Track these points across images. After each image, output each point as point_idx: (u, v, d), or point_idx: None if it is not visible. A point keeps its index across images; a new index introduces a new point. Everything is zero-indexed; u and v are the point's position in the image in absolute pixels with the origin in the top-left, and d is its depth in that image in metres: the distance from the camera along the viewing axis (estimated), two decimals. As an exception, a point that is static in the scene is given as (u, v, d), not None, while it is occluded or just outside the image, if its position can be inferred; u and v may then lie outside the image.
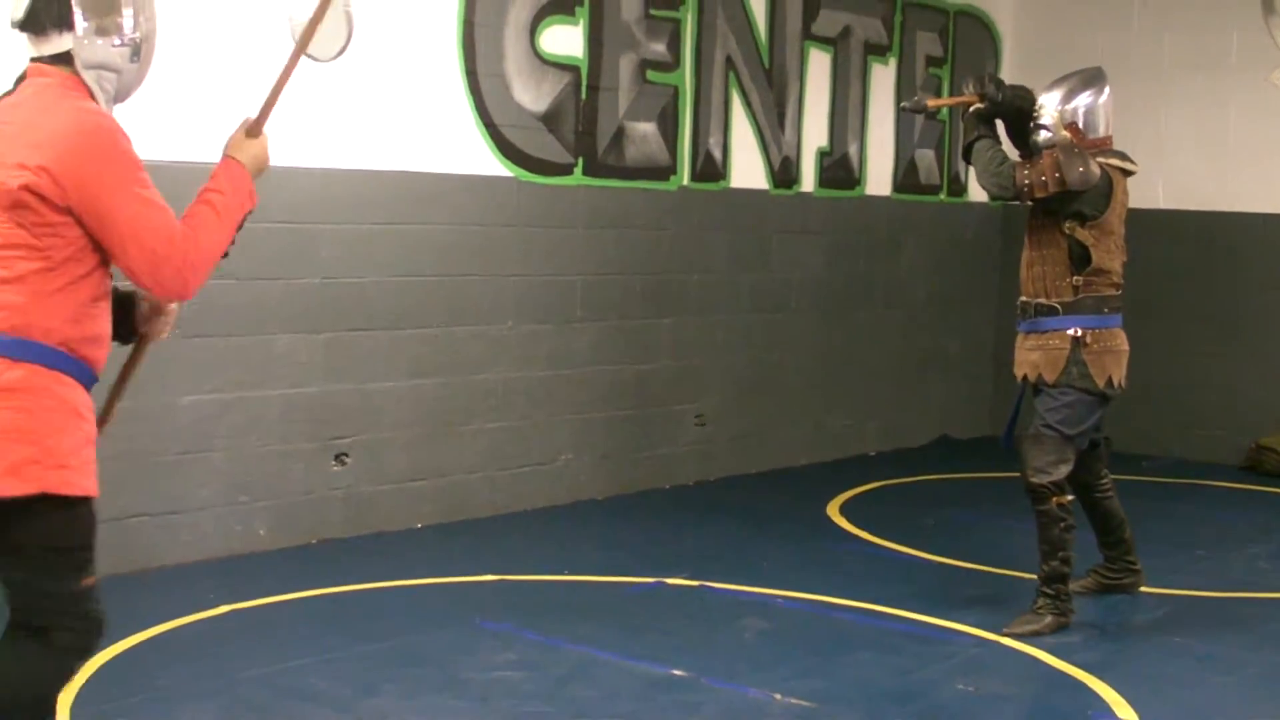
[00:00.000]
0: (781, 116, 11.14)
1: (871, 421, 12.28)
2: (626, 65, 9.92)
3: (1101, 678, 6.58)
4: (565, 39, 9.54)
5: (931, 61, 12.48)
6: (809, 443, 11.67)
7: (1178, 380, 12.52)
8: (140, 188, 4.12)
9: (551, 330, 9.66)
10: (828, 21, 11.48)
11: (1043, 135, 7.37)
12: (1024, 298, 7.44)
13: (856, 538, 9.20)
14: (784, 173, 11.21)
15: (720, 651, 6.78)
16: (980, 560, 8.39)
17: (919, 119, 12.22)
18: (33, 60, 4.25)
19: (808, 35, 11.32)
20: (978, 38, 12.99)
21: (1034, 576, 7.42)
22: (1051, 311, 7.31)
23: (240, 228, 4.41)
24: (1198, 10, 12.34)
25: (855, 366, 12.04)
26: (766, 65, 10.98)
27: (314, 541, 8.44)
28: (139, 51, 4.32)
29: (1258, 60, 12.05)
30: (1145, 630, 7.42)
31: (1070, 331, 7.28)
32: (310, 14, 8.17)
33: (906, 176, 12.27)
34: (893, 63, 12.13)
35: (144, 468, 7.77)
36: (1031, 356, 7.37)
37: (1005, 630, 7.19)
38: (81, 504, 4.14)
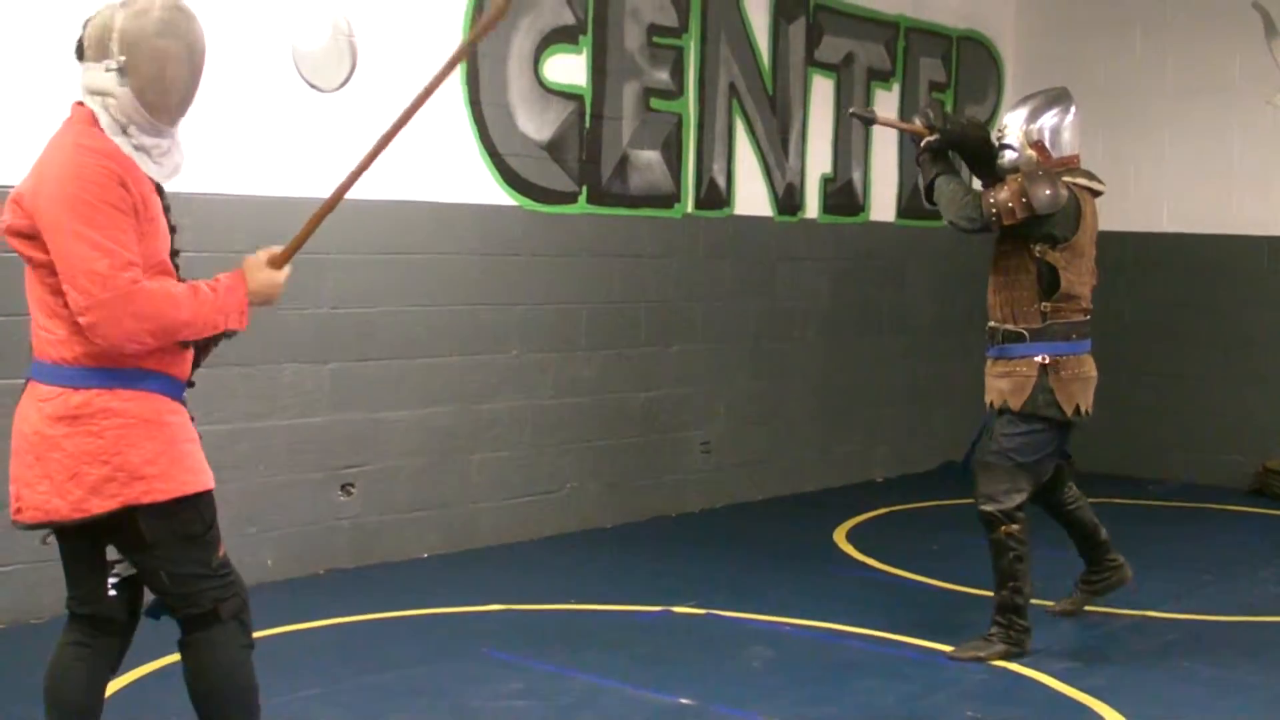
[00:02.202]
0: (785, 143, 11.16)
1: (878, 447, 12.27)
2: (630, 93, 9.94)
3: (1109, 703, 6.56)
4: (569, 68, 9.57)
5: (935, 86, 12.51)
6: (815, 469, 11.66)
7: (1184, 404, 12.53)
8: (89, 233, 4.22)
9: (557, 358, 9.67)
10: (831, 48, 11.50)
11: (1008, 155, 7.31)
12: (991, 323, 7.36)
13: (863, 564, 9.19)
14: (788, 199, 11.22)
15: (728, 679, 6.77)
16: (986, 586, 8.34)
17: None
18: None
19: (811, 62, 11.34)
20: (980, 62, 13.02)
21: (1040, 603, 7.41)
22: (1019, 338, 7.23)
23: (214, 341, 4.62)
24: (1200, 33, 12.36)
25: (861, 392, 12.05)
26: (770, 92, 11.00)
27: (321, 572, 8.44)
28: (125, 73, 4.38)
29: (1260, 83, 12.08)
30: (1153, 655, 7.39)
31: (1038, 358, 7.18)
32: (315, 45, 8.23)
33: (910, 202, 12.28)
34: (896, 88, 12.16)
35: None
36: (999, 383, 7.28)
37: (953, 652, 7.19)
38: (179, 503, 4.42)
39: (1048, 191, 7.01)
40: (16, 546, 7.28)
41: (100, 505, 4.34)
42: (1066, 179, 7.20)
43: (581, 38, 9.62)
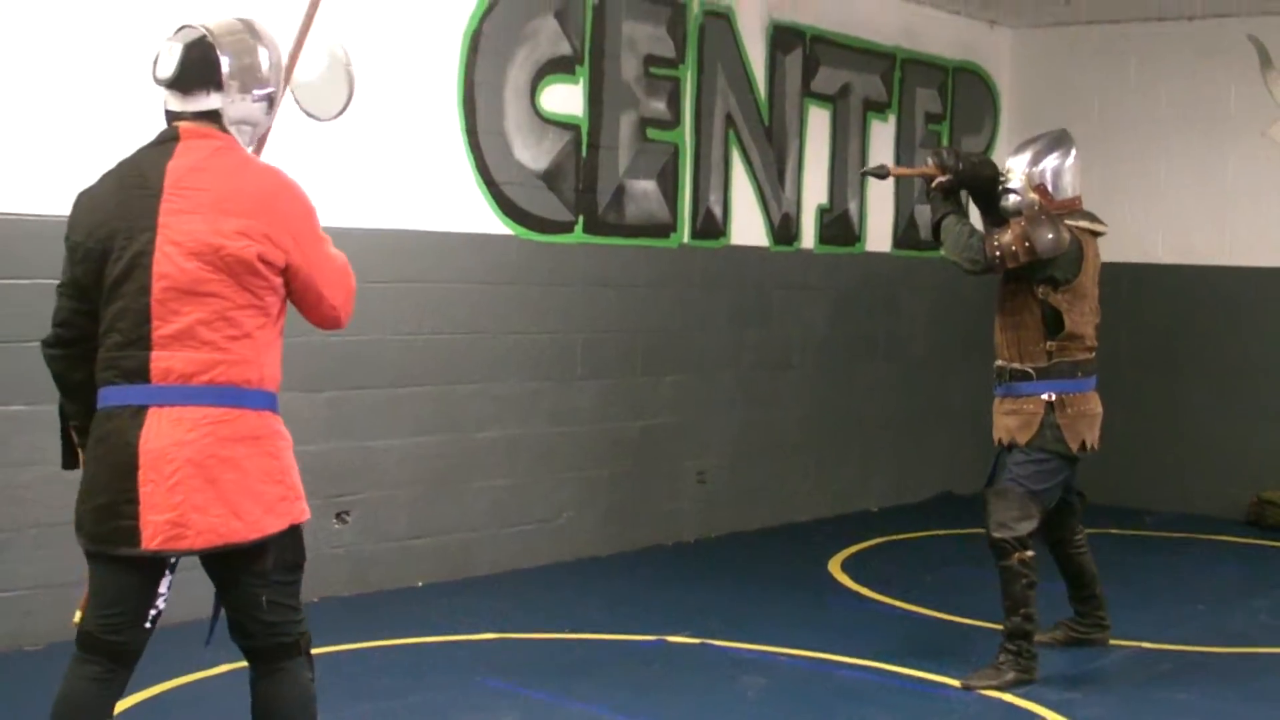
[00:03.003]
0: (781, 173, 11.19)
1: (874, 477, 12.28)
2: (626, 123, 9.97)
3: (1104, 734, 6.58)
4: (565, 97, 9.59)
5: (930, 118, 12.54)
6: (811, 499, 11.67)
7: (1179, 434, 12.55)
8: (322, 233, 4.62)
9: (553, 388, 9.68)
10: (827, 79, 11.54)
11: (1011, 199, 7.40)
12: (999, 362, 7.49)
13: (859, 594, 9.19)
14: (784, 230, 11.24)
15: (723, 710, 6.77)
16: (982, 616, 8.36)
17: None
18: (174, 115, 4.57)
19: (807, 92, 11.37)
20: (976, 93, 13.05)
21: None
22: (1026, 376, 7.35)
23: None
24: (1194, 65, 12.40)
25: (857, 422, 12.05)
26: (766, 122, 11.03)
27: (315, 600, 8.42)
28: (273, 103, 4.67)
29: (1256, 114, 12.14)
30: (1148, 685, 7.40)
31: (1044, 396, 7.30)
32: (313, 74, 8.23)
33: (906, 232, 12.31)
34: (892, 119, 12.19)
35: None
36: (1007, 421, 7.39)
37: (965, 681, 7.20)
38: (299, 529, 4.60)
39: (1050, 235, 7.12)
40: (10, 573, 7.29)
41: (274, 524, 4.47)
42: (1069, 222, 7.31)
43: (578, 68, 9.65)
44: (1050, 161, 7.42)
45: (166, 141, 4.54)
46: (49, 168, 7.30)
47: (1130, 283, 12.47)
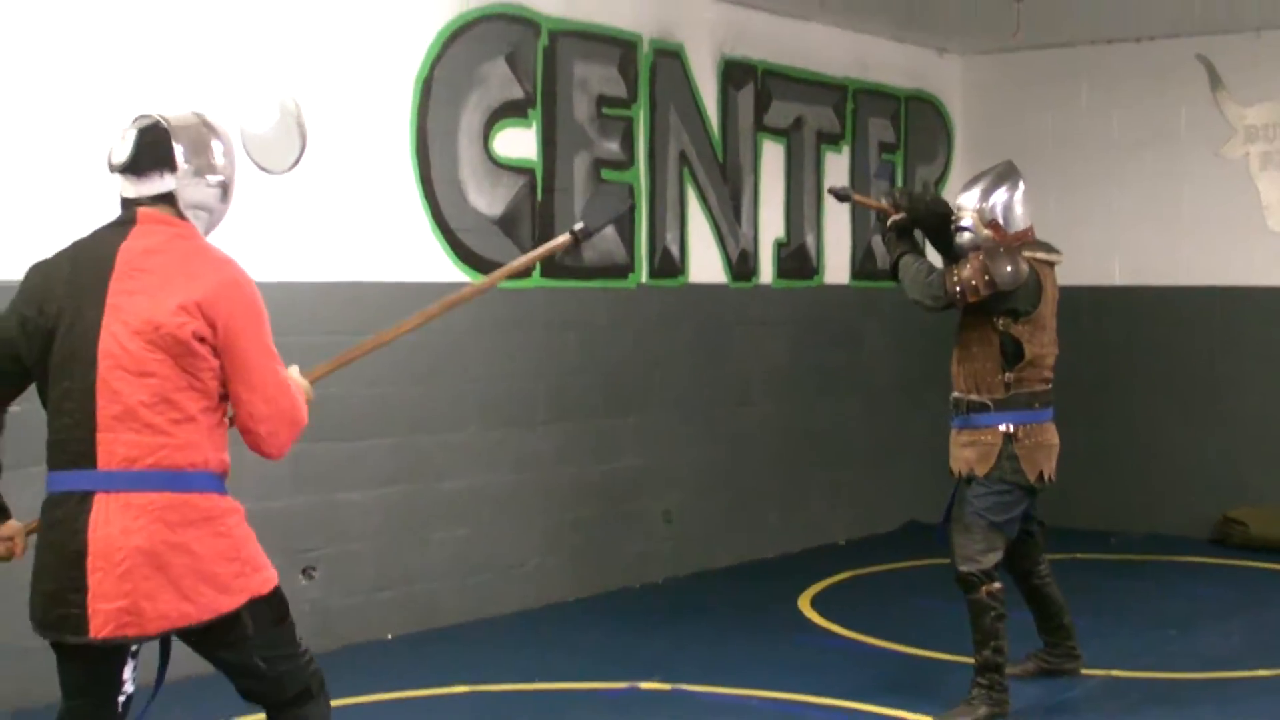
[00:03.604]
0: (737, 209, 11.18)
1: (840, 510, 12.26)
2: (580, 165, 9.94)
3: (1081, 769, 6.56)
4: (519, 141, 9.56)
5: (885, 147, 12.56)
6: (778, 534, 11.64)
7: (1141, 455, 12.58)
8: (269, 343, 4.54)
9: (515, 433, 9.63)
10: (779, 112, 11.54)
11: (965, 236, 7.44)
12: (956, 394, 7.49)
13: (829, 632, 9.16)
14: (742, 265, 11.23)
15: (697, 758, 6.73)
16: (952, 649, 8.33)
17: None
18: (129, 201, 4.56)
19: (760, 127, 11.37)
20: (929, 122, 13.08)
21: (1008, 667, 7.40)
22: (983, 408, 7.35)
23: None
24: (1145, 86, 12.46)
25: (821, 455, 12.04)
26: (720, 159, 11.02)
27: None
28: (228, 191, 4.68)
29: (1207, 134, 12.20)
30: (1122, 715, 7.41)
31: (1002, 427, 7.30)
32: (265, 127, 8.21)
33: (864, 263, 12.32)
34: (846, 150, 12.21)
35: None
36: (965, 452, 7.39)
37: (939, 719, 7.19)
38: (274, 591, 4.57)
39: (1009, 268, 7.13)
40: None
41: (230, 602, 4.43)
42: (1025, 253, 7.31)
43: (531, 111, 9.62)
44: (1000, 196, 7.45)
45: (123, 224, 4.53)
46: (5, 233, 7.24)
47: (1089, 305, 12.49)
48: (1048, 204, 12.37)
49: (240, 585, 4.46)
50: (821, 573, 10.88)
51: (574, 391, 10.00)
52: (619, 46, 10.21)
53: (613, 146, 10.17)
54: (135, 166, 4.54)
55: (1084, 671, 7.96)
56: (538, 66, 9.66)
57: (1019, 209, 7.47)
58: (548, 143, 9.74)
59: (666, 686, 7.87)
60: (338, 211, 8.61)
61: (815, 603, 9.93)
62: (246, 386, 4.49)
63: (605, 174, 10.11)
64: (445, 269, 9.13)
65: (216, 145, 4.63)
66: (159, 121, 4.57)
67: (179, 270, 4.43)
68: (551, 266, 9.76)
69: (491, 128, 9.40)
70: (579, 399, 10.05)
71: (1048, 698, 7.63)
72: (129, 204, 4.56)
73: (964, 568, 7.25)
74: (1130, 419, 12.63)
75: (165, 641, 4.55)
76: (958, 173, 13.08)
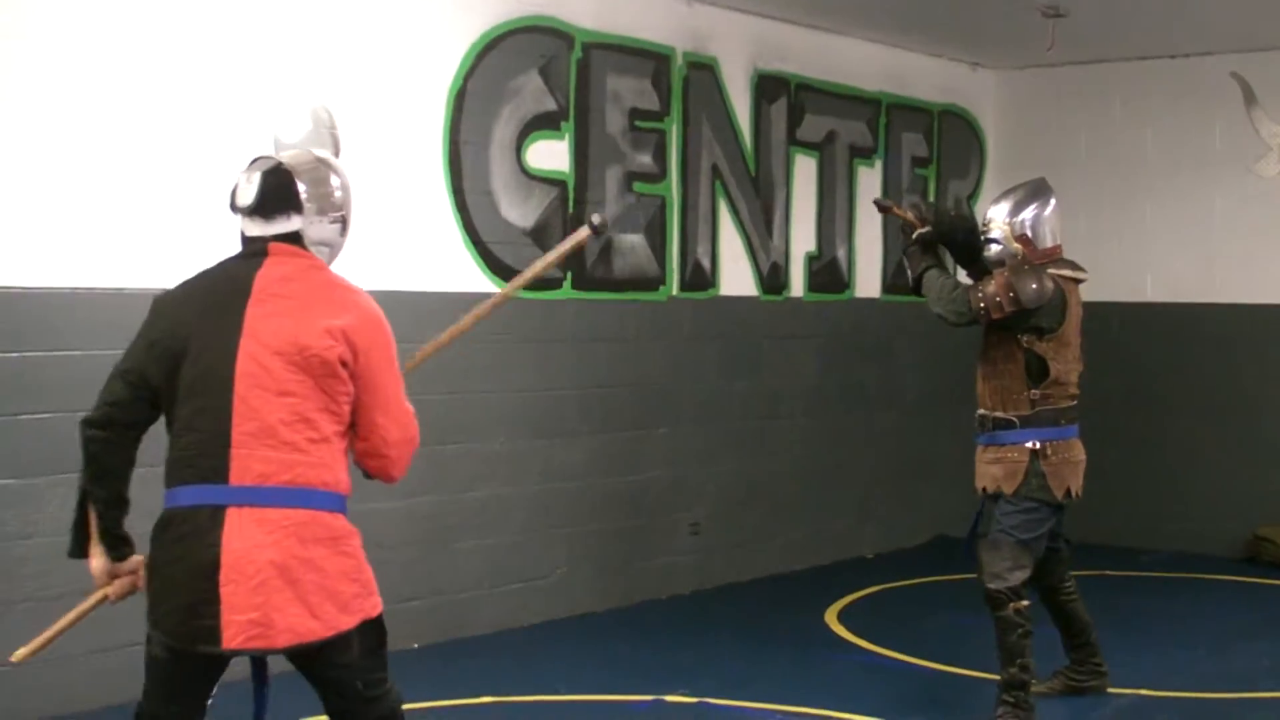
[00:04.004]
0: (769, 223, 11.18)
1: (868, 524, 12.24)
2: (613, 177, 9.96)
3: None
4: (551, 154, 9.58)
5: (917, 162, 12.55)
6: (805, 548, 11.63)
7: (1173, 473, 12.53)
8: (399, 372, 4.76)
9: (544, 444, 9.64)
10: (812, 126, 11.54)
11: (994, 249, 7.43)
12: (981, 411, 7.48)
13: (855, 646, 9.15)
14: (773, 279, 11.23)
15: (722, 772, 6.73)
16: (979, 666, 8.32)
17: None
18: (253, 240, 4.72)
19: (793, 141, 11.37)
20: (962, 136, 13.07)
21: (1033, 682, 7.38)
22: (1009, 425, 7.34)
23: None
24: (1179, 104, 12.42)
25: (850, 469, 12.02)
26: (753, 172, 11.03)
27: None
28: (346, 225, 4.84)
29: (1241, 151, 12.15)
30: (1149, 736, 7.38)
31: (1029, 445, 7.29)
32: (298, 136, 8.23)
33: (896, 278, 12.29)
34: (878, 164, 12.20)
35: (142, 595, 7.71)
36: (991, 469, 7.39)
37: None
38: (380, 616, 4.75)
39: (1034, 286, 7.12)
40: (6, 648, 7.22)
41: (349, 621, 4.58)
42: (1051, 270, 7.31)
43: (563, 124, 9.64)
44: (1031, 211, 7.44)
45: (255, 255, 4.69)
46: (43, 241, 7.28)
47: (1120, 322, 12.47)
48: (1080, 220, 12.37)
49: (357, 605, 4.62)
50: (849, 586, 10.87)
51: (603, 403, 10.01)
52: (652, 59, 10.23)
53: (645, 159, 10.18)
54: (262, 209, 4.69)
55: (1112, 690, 7.94)
56: (571, 79, 9.68)
57: (1049, 225, 7.46)
58: (580, 155, 9.75)
59: (692, 699, 7.87)
60: (370, 222, 8.59)
61: (842, 617, 9.92)
62: (383, 412, 4.67)
63: (637, 186, 10.12)
64: (477, 280, 9.15)
65: (334, 181, 4.79)
66: (281, 164, 4.73)
67: (319, 298, 4.61)
68: (582, 279, 9.77)
69: (524, 140, 9.42)
70: (608, 410, 10.06)
71: (1075, 717, 7.61)
72: (255, 240, 4.72)
73: (991, 585, 7.24)
74: (1161, 436, 12.59)
75: (260, 663, 4.74)
76: (989, 188, 13.06)
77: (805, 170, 11.52)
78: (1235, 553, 12.04)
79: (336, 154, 8.50)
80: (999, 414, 7.37)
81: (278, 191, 4.68)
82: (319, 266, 4.72)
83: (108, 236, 7.54)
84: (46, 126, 7.30)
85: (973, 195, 13.09)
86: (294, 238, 4.69)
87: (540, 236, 9.49)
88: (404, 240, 8.79)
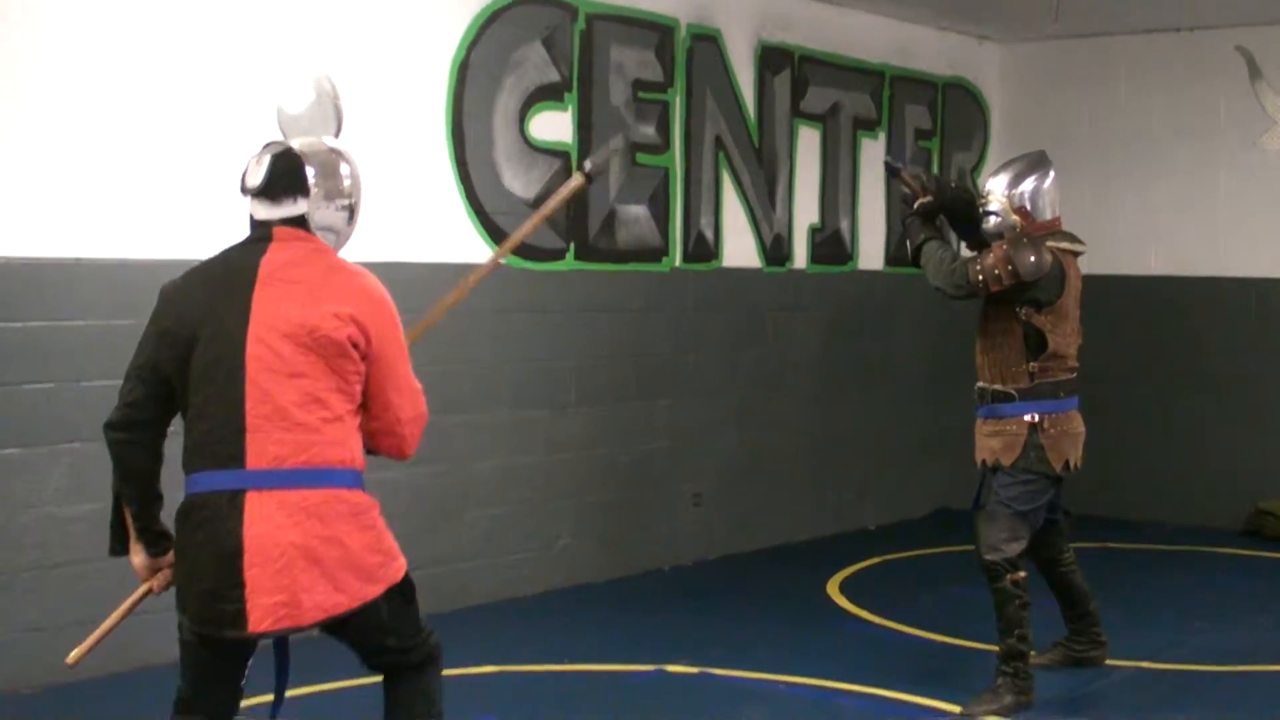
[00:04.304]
0: (772, 194, 11.18)
1: (870, 495, 12.25)
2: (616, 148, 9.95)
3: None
4: (554, 125, 9.58)
5: (921, 134, 12.53)
6: (808, 519, 11.65)
7: (1175, 446, 12.54)
8: (407, 350, 4.83)
9: (546, 415, 9.66)
10: (816, 98, 11.53)
11: (992, 221, 7.39)
12: (981, 384, 7.47)
13: (857, 618, 9.17)
14: (776, 251, 11.23)
15: (722, 742, 6.75)
16: (980, 638, 8.33)
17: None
18: (260, 223, 4.76)
19: (796, 113, 11.36)
20: (966, 109, 13.05)
21: (1033, 654, 7.40)
22: (1008, 398, 7.33)
23: None
24: (1184, 77, 12.40)
25: (853, 441, 12.04)
26: (756, 144, 11.02)
27: (314, 635, 8.38)
28: (354, 213, 4.90)
29: (1247, 125, 12.13)
30: (1149, 707, 7.38)
31: (1027, 417, 7.28)
32: (301, 107, 8.23)
33: (899, 250, 12.27)
34: (882, 136, 12.18)
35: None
36: (990, 442, 7.39)
37: (964, 710, 7.17)
38: (406, 576, 4.83)
39: (1032, 258, 7.12)
40: (6, 616, 7.26)
41: (374, 591, 4.66)
42: (1050, 244, 7.29)
43: (567, 95, 9.63)
44: (1030, 183, 7.40)
45: (259, 241, 4.73)
46: (45, 211, 7.29)
47: (1124, 295, 12.46)
48: (1084, 193, 12.37)
49: (382, 574, 4.69)
50: (851, 558, 10.89)
51: (606, 374, 10.02)
52: (656, 31, 10.22)
53: (648, 131, 10.18)
54: (270, 191, 4.73)
55: (1112, 662, 7.95)
56: (574, 50, 9.67)
57: (1048, 198, 7.42)
58: (583, 126, 9.75)
59: (694, 670, 7.89)
60: (373, 192, 8.60)
61: (844, 588, 9.94)
62: (396, 390, 4.75)
63: (640, 158, 10.12)
64: (479, 251, 9.14)
65: (344, 170, 4.84)
66: (290, 148, 4.79)
67: (325, 281, 4.66)
68: (585, 250, 9.78)
69: (527, 111, 9.41)
70: (611, 381, 10.07)
71: (1076, 688, 7.63)
72: (261, 224, 4.76)
73: (989, 556, 7.25)
74: (1163, 409, 12.59)
75: (283, 641, 4.81)
76: (993, 161, 13.04)
77: (809, 142, 11.51)
78: (1237, 526, 12.05)
79: (339, 125, 8.50)
80: (998, 387, 7.37)
81: (286, 174, 4.73)
82: (324, 250, 4.75)
83: (110, 207, 7.55)
84: (48, 97, 7.31)
85: (976, 168, 13.08)
86: (299, 221, 4.73)
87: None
88: (407, 211, 8.79)
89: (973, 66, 13.10)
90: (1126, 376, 12.54)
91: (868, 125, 12.03)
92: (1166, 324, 12.56)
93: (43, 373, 7.33)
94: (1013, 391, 7.32)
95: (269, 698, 4.96)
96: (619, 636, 8.63)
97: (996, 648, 7.33)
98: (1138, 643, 8.38)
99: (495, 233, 9.21)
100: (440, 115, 8.97)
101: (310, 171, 4.75)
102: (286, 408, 4.53)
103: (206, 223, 7.85)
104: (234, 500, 4.51)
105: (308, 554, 4.51)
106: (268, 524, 4.49)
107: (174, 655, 5.00)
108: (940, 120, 12.75)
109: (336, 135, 8.41)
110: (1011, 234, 7.31)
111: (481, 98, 9.16)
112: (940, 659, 8.23)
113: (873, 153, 12.03)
